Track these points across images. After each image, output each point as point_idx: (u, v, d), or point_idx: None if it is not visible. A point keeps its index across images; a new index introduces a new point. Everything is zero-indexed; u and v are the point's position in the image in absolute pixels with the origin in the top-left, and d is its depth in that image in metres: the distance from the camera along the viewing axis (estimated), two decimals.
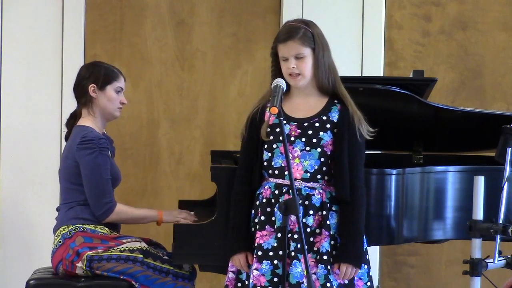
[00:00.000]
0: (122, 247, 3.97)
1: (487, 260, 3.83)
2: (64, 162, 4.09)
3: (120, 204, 4.05)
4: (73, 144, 4.03)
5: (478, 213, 3.83)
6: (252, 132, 3.67)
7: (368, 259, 3.67)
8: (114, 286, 3.94)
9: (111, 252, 3.95)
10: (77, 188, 4.03)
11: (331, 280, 3.56)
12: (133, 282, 3.94)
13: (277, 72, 3.65)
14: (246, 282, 3.65)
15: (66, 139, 4.19)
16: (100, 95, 4.11)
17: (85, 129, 4.06)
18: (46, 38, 5.34)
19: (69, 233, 3.98)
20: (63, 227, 4.01)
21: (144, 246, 4.00)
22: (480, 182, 3.86)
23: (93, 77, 4.11)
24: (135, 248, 3.97)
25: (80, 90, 4.14)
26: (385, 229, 3.87)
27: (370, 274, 3.69)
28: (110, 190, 4.03)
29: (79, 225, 3.99)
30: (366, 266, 3.66)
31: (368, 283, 3.67)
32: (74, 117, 4.19)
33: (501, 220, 3.74)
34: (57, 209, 4.16)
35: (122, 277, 3.94)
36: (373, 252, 5.32)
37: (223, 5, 5.47)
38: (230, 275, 3.71)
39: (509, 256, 3.94)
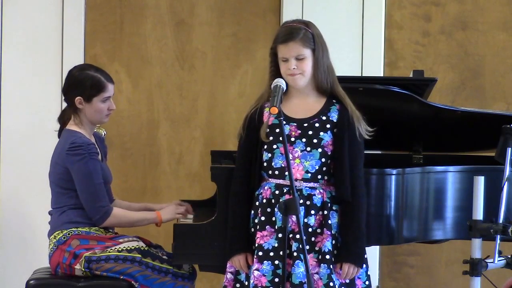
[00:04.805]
0: (120, 247, 3.96)
1: (487, 260, 3.83)
2: (54, 167, 4.06)
3: (116, 208, 4.04)
4: (62, 150, 4.00)
5: (478, 213, 3.83)
6: (251, 132, 3.66)
7: (366, 258, 3.68)
8: (114, 286, 3.94)
9: (109, 252, 3.94)
10: (67, 192, 4.01)
11: (334, 280, 3.56)
12: (133, 282, 3.94)
13: (275, 72, 3.63)
14: (246, 283, 3.65)
15: (59, 136, 4.16)
16: (87, 106, 4.05)
17: (74, 135, 4.02)
18: (46, 38, 5.34)
19: (64, 238, 3.96)
20: (57, 232, 3.99)
21: (142, 246, 3.99)
22: (480, 182, 3.85)
23: (79, 90, 4.03)
24: (133, 248, 3.96)
25: (67, 98, 4.10)
26: (385, 229, 3.87)
27: (368, 273, 3.69)
28: (104, 194, 4.00)
29: (73, 229, 3.97)
30: (364, 265, 3.66)
31: (367, 282, 3.69)
32: (67, 113, 4.14)
33: (501, 220, 3.74)
34: (50, 213, 4.13)
35: (122, 277, 3.94)
36: (373, 252, 5.32)
37: (223, 5, 5.46)
38: (229, 275, 3.70)
39: (509, 256, 3.94)
